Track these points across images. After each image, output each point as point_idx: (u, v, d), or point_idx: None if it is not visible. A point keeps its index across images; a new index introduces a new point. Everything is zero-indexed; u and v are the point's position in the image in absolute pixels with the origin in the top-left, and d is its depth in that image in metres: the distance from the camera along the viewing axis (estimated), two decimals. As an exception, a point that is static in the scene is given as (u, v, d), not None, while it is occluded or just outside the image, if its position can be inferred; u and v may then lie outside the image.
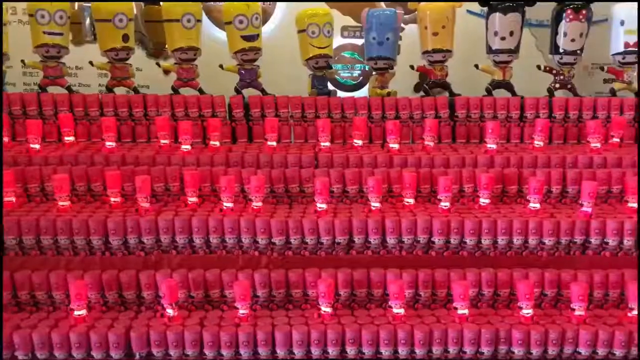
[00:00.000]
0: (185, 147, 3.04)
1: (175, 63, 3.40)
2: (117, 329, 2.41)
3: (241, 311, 2.50)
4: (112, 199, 2.77)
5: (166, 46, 3.49)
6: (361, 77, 4.22)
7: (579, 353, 2.49)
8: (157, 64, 3.50)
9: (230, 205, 2.77)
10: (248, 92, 3.43)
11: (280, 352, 2.42)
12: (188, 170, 2.86)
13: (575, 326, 2.50)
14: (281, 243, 2.70)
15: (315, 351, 2.43)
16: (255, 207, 2.78)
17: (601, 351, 2.48)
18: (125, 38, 3.27)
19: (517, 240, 2.73)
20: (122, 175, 2.81)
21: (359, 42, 4.13)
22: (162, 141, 3.09)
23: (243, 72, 3.42)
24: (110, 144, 3.02)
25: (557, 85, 3.53)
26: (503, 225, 2.72)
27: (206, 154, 3.06)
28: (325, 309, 2.53)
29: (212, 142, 3.14)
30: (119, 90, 3.39)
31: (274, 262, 2.70)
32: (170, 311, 2.47)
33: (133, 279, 2.59)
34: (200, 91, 3.42)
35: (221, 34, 3.46)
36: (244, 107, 3.33)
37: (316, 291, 2.56)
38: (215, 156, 3.03)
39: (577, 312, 2.53)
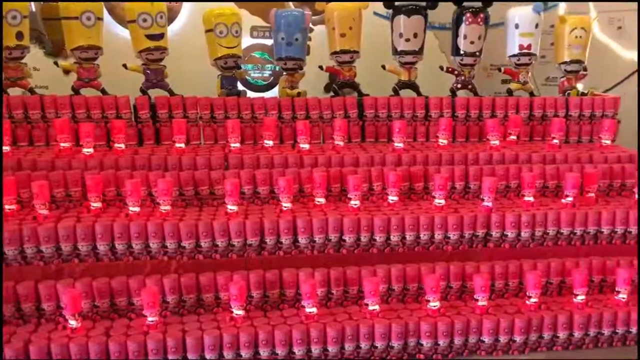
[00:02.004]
0: (87, 150, 2.90)
1: (75, 62, 3.24)
2: (14, 343, 2.27)
3: (150, 318, 2.43)
4: (7, 207, 2.60)
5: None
6: (272, 78, 4.21)
7: (483, 342, 2.60)
8: (56, 63, 3.31)
9: (136, 209, 2.68)
10: (154, 92, 3.32)
11: (192, 357, 2.37)
12: (90, 175, 2.74)
13: (478, 316, 2.61)
14: (191, 247, 2.64)
15: (228, 355, 2.40)
16: (163, 211, 2.70)
17: (503, 339, 2.60)
18: (19, 36, 3.08)
19: (424, 236, 2.82)
20: (17, 181, 2.65)
21: (269, 42, 4.13)
22: (62, 144, 2.93)
23: (149, 72, 3.31)
24: (4, 148, 2.83)
25: (459, 86, 3.67)
26: (410, 222, 2.80)
27: (110, 157, 2.94)
28: (238, 311, 2.50)
29: (116, 145, 3.02)
30: (14, 92, 3.18)
31: (184, 267, 2.64)
32: (72, 322, 2.35)
33: (31, 291, 2.45)
34: (103, 92, 3.27)
35: (125, 33, 3.33)
36: (151, 108, 3.23)
37: (228, 294, 2.53)
38: (120, 159, 2.91)
39: (480, 303, 2.65)
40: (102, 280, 2.52)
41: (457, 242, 2.85)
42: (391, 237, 2.80)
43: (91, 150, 2.92)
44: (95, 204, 2.71)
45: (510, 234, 2.88)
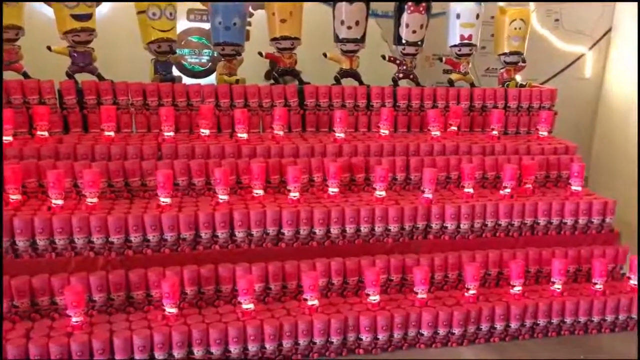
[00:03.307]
0: (6, 138, 2.69)
1: (-6, 43, 2.99)
2: None
3: (74, 319, 2.28)
4: None
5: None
6: (210, 63, 4.04)
7: (422, 335, 2.58)
8: (-29, 44, 3.05)
9: (59, 202, 2.51)
10: (82, 77, 3.12)
11: (120, 359, 2.23)
12: (9, 165, 2.54)
13: (418, 309, 2.59)
14: (120, 242, 2.50)
15: (159, 355, 2.28)
16: (89, 204, 2.54)
17: (441, 331, 2.59)
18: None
19: (364, 228, 2.78)
20: None
21: (207, 26, 3.96)
22: (-22, 132, 2.71)
23: (75, 54, 3.10)
24: None
25: (401, 75, 3.63)
26: (351, 214, 2.74)
27: (32, 145, 2.74)
28: (170, 309, 2.38)
29: (39, 133, 2.82)
30: (7, 75, 2.93)
31: (112, 263, 2.49)
32: (-13, 326, 2.17)
33: (-60, 292, 2.24)
34: (25, 75, 3.04)
35: (50, 11, 3.10)
36: (77, 93, 3.03)
37: (160, 291, 2.40)
38: (43, 148, 2.72)
39: (419, 296, 2.63)
40: (22, 278, 2.35)
41: (398, 234, 2.82)
42: (331, 229, 2.74)
43: (10, 138, 2.71)
44: (15, 196, 2.52)
45: (450, 225, 2.87)
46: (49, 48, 3.10)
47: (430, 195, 2.88)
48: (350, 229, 2.75)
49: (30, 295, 2.36)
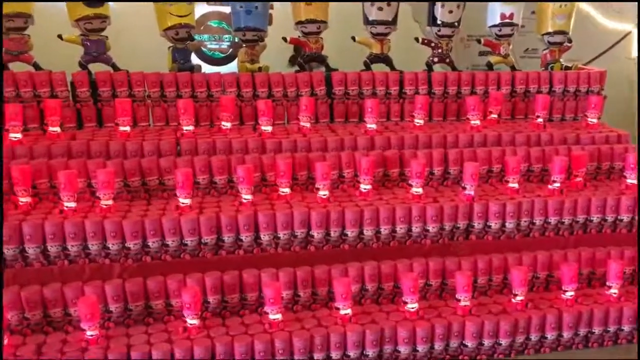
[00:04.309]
0: (15, 135, 2.52)
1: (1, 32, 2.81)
2: None
3: (89, 332, 2.11)
4: None
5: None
6: (231, 49, 3.83)
7: (465, 346, 2.36)
8: (-23, 34, 2.88)
9: (72, 205, 2.32)
10: (95, 67, 2.93)
11: (138, 377, 2.06)
12: (18, 165, 2.36)
13: (460, 318, 2.37)
14: (137, 247, 2.31)
15: (181, 372, 2.10)
16: (104, 206, 2.36)
17: (487, 342, 2.37)
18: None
19: (400, 229, 2.55)
20: None
21: (227, 9, 3.73)
22: (-15, 129, 2.54)
23: (88, 43, 2.92)
24: None
25: (436, 59, 3.37)
26: (385, 214, 2.52)
27: (42, 143, 2.57)
28: (192, 321, 2.20)
29: (51, 129, 2.64)
30: (16, 67, 2.79)
31: (129, 271, 2.31)
32: (-5, 341, 2.01)
33: (-54, 305, 2.09)
34: (36, 66, 2.87)
35: (60, -2, 2.92)
36: (91, 85, 2.84)
37: (181, 301, 2.22)
38: (54, 145, 2.54)
39: (462, 303, 2.40)
40: (32, 288, 2.18)
41: (437, 235, 2.59)
42: (364, 231, 2.52)
43: (19, 135, 2.53)
44: (24, 199, 2.35)
45: (494, 224, 2.63)
46: (60, 37, 2.91)
47: (472, 192, 2.64)
48: (384, 230, 2.53)
49: (42, 306, 2.19)
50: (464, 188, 2.65)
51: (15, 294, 2.15)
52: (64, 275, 2.26)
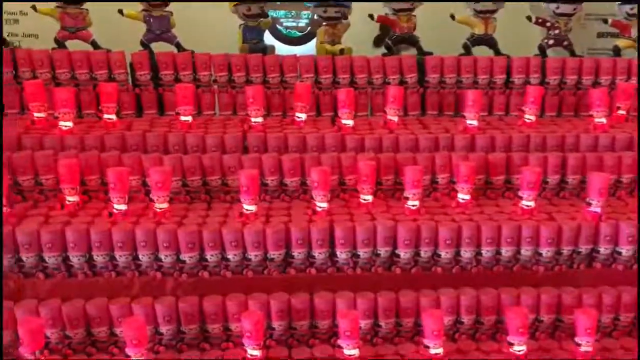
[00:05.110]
0: (65, 124, 2.25)
1: (58, 6, 2.57)
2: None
3: (134, 359, 1.81)
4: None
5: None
6: (309, 27, 3.46)
7: (588, 405, 1.90)
8: (34, 7, 2.64)
9: (122, 207, 2.03)
10: (158, 47, 2.64)
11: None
12: (64, 159, 2.09)
13: (581, 367, 1.91)
14: (193, 261, 2.00)
15: (238, 415, 1.77)
16: (158, 210, 2.05)
17: (615, 401, 1.90)
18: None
19: (506, 252, 2.11)
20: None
21: (307, -18, 3.37)
22: (36, 114, 2.30)
23: (150, 20, 2.66)
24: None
25: (551, 42, 2.89)
26: (488, 233, 2.09)
27: (96, 133, 2.29)
28: (253, 352, 1.86)
29: (106, 116, 2.37)
30: (73, 45, 2.62)
31: (183, 287, 2.02)
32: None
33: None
34: (94, 45, 2.61)
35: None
36: (152, 67, 2.58)
37: (241, 326, 1.88)
38: (107, 137, 2.26)
39: (583, 348, 1.94)
40: (75, 303, 1.93)
41: (552, 260, 2.14)
42: (461, 252, 2.09)
43: (69, 124, 2.27)
44: (71, 198, 2.08)
45: (625, 251, 2.13)
46: (120, 12, 2.66)
47: (598, 209, 2.14)
48: (487, 252, 2.09)
49: (86, 324, 1.92)
50: (589, 204, 2.15)
51: (56, 309, 1.90)
52: (111, 289, 1.98)
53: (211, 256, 2.01)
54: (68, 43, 2.64)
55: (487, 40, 2.88)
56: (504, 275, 2.13)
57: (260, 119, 2.40)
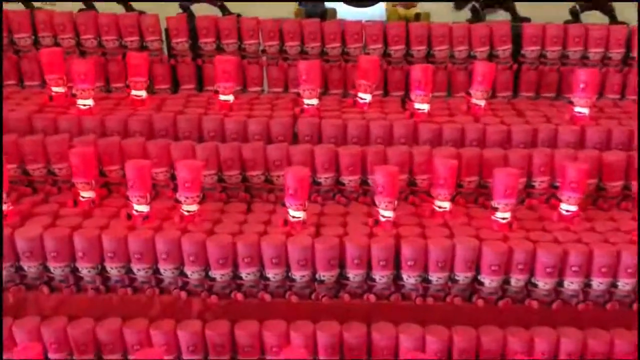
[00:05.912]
0: (83, 102, 1.91)
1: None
2: None
3: (151, 397, 1.49)
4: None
5: None
6: (378, -14, 2.99)
7: None
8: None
9: (143, 209, 1.68)
10: (199, 9, 2.24)
11: None
12: (77, 148, 1.75)
13: None
14: (225, 279, 1.64)
15: None
16: (186, 214, 1.69)
17: None
18: None
19: (624, 285, 1.64)
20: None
21: None
22: (54, 89, 1.99)
23: (191, -25, 2.27)
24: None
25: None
26: (602, 260, 1.62)
27: (119, 114, 1.95)
28: (293, 394, 1.50)
29: (133, 92, 2.02)
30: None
31: (212, 310, 1.67)
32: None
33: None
34: (126, 5, 2.25)
35: None
36: (190, 34, 2.22)
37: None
38: (131, 120, 1.91)
39: None
40: (84, 324, 1.62)
41: (687, 299, 1.63)
42: (565, 282, 1.64)
43: (89, 102, 1.92)
44: (86, 194, 1.75)
45: None
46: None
47: None
48: (599, 284, 1.64)
49: (96, 349, 1.61)
50: None
51: (61, 330, 1.59)
52: (125, 308, 1.66)
53: (247, 275, 1.63)
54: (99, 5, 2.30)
55: (602, 5, 2.38)
56: (621, 315, 1.66)
57: (314, 101, 1.99)
